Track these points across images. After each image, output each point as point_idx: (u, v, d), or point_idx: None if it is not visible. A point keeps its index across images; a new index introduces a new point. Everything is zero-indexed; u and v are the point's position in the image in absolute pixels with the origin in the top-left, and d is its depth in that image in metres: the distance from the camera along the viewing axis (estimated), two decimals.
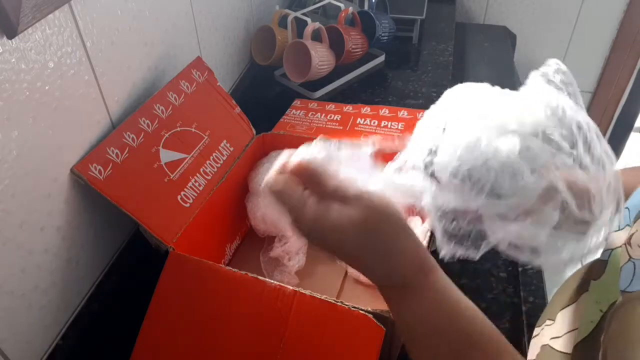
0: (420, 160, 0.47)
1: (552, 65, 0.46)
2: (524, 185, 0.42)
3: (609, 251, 0.44)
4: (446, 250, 0.45)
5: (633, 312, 0.36)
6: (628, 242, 0.41)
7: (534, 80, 0.46)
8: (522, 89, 0.46)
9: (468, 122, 0.44)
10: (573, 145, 0.43)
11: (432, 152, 0.46)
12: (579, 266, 0.54)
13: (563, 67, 0.45)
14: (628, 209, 0.44)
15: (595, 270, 0.45)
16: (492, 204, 0.42)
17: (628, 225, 0.43)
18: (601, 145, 0.42)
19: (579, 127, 0.42)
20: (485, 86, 0.47)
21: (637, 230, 0.40)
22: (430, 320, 0.41)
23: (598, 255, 0.46)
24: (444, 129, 0.46)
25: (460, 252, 0.45)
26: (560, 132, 0.43)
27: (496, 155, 0.42)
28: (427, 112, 0.49)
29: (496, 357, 0.39)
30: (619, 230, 0.43)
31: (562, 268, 0.44)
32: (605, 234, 0.43)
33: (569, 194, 0.42)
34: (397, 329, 0.43)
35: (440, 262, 0.58)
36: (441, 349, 0.40)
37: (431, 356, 0.41)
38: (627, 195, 0.47)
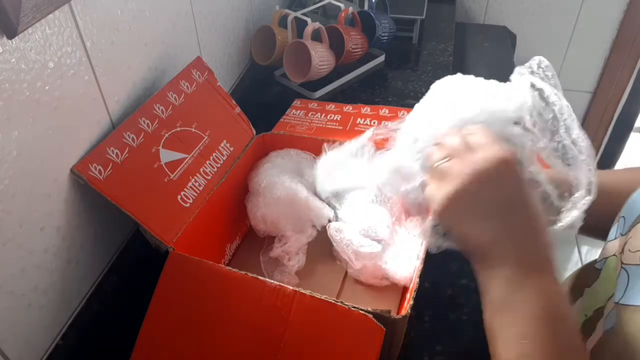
0: (408, 150, 0.48)
1: (536, 60, 0.47)
2: None
3: (603, 260, 0.44)
4: (431, 242, 0.45)
5: (633, 326, 0.35)
6: (622, 250, 0.41)
7: (519, 72, 0.47)
8: (509, 81, 0.48)
9: (451, 112, 0.45)
10: (555, 131, 0.44)
11: (417, 141, 0.47)
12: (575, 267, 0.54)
13: (545, 61, 0.46)
14: (623, 217, 0.44)
15: (590, 278, 0.45)
16: None
17: (621, 234, 0.43)
18: (579, 131, 0.43)
19: (561, 113, 0.43)
20: (470, 77, 0.48)
21: (631, 237, 0.40)
22: (545, 314, 0.36)
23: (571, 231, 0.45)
24: (430, 120, 0.48)
25: (445, 244, 0.45)
26: (542, 117, 0.44)
27: None
28: (417, 105, 0.50)
29: None
30: (614, 239, 0.43)
31: None
32: (574, 216, 0.43)
33: (550, 186, 0.43)
34: (488, 315, 0.39)
35: (440, 262, 0.58)
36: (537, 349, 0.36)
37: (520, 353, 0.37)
38: (619, 193, 0.47)
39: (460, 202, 0.39)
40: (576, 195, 0.42)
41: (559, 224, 0.43)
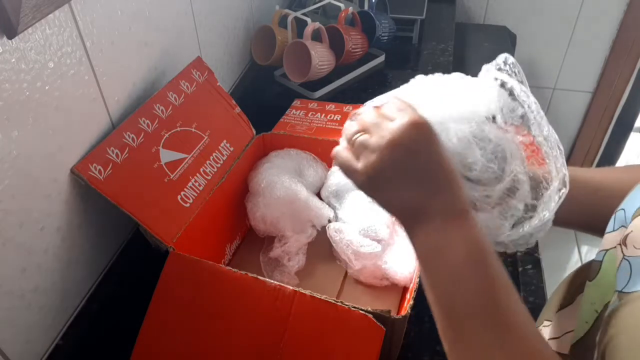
0: None
1: (502, 57, 0.47)
2: (485, 169, 0.44)
3: (603, 252, 0.44)
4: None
5: (635, 314, 0.36)
6: (623, 242, 0.41)
7: (486, 69, 0.47)
8: (476, 78, 0.48)
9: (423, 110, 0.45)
10: (528, 127, 0.44)
11: None
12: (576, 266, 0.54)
13: (511, 58, 0.47)
14: (623, 210, 0.44)
15: (590, 271, 0.46)
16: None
17: (623, 226, 0.43)
18: (549, 127, 0.45)
19: (531, 110, 0.44)
20: (435, 77, 0.49)
21: (632, 231, 0.40)
22: (472, 259, 0.38)
23: (539, 235, 0.46)
24: None
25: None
26: (514, 114, 0.44)
27: (451, 141, 0.44)
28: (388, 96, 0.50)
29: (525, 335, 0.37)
30: (613, 231, 0.44)
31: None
32: (546, 215, 0.44)
33: (529, 189, 0.44)
34: (422, 266, 0.41)
35: None
36: (468, 295, 0.38)
37: (451, 303, 0.39)
38: (614, 191, 0.47)
39: (380, 173, 0.41)
40: (551, 187, 0.43)
41: (535, 220, 0.44)
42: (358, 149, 0.43)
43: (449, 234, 0.40)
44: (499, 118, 0.45)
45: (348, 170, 0.44)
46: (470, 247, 0.39)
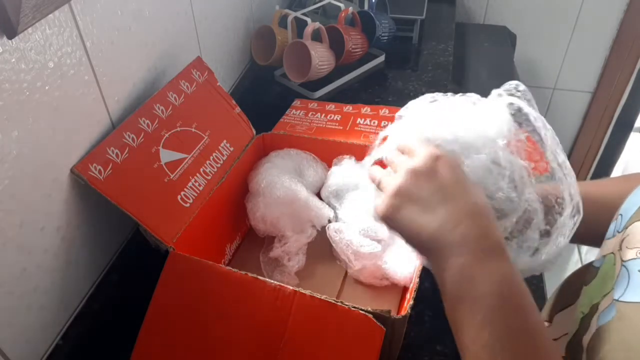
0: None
1: (512, 83, 0.47)
2: (506, 198, 0.43)
3: (601, 258, 0.44)
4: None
5: (631, 329, 0.35)
6: (619, 247, 0.41)
7: (498, 94, 0.47)
8: (485, 100, 0.48)
9: (432, 137, 0.45)
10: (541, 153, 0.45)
11: None
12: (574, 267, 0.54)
13: (522, 85, 0.47)
14: (621, 215, 0.44)
15: (587, 276, 0.46)
16: None
17: (617, 231, 0.43)
18: (564, 155, 0.45)
19: (546, 135, 0.44)
20: (442, 100, 0.49)
21: (628, 235, 0.40)
22: (502, 296, 0.37)
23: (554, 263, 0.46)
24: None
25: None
26: (519, 140, 0.45)
27: (473, 171, 0.43)
28: (392, 126, 0.50)
29: None
30: (612, 237, 0.44)
31: None
32: (561, 242, 0.44)
33: (542, 211, 0.44)
34: (453, 298, 0.39)
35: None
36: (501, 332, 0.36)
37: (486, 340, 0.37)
38: (608, 203, 0.48)
39: (400, 201, 0.41)
40: (565, 213, 0.43)
41: (552, 246, 0.44)
42: (383, 186, 0.44)
43: (478, 277, 0.37)
44: (512, 143, 0.45)
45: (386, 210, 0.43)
46: (502, 291, 0.37)
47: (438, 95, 0.49)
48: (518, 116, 0.45)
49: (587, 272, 0.46)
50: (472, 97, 0.48)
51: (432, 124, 0.46)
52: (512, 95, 0.46)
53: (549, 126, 0.45)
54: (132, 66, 0.70)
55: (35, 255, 0.55)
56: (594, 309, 0.41)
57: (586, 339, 0.40)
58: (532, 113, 0.45)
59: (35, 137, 0.52)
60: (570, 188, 0.44)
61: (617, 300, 0.38)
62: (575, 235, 0.45)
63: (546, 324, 0.53)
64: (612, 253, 0.42)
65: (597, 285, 0.43)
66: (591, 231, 0.47)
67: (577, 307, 0.46)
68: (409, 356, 0.61)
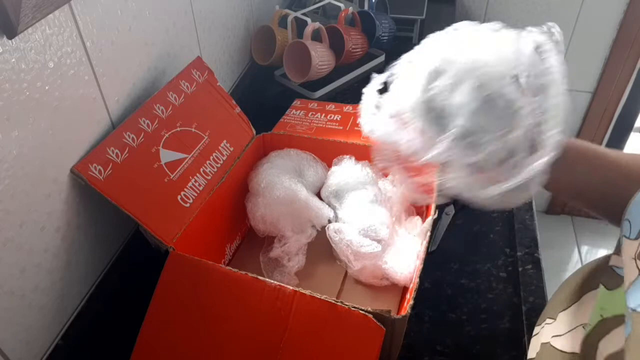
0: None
1: (550, 24, 0.47)
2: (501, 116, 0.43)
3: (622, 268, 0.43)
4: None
5: None
6: (638, 256, 0.40)
7: (529, 30, 0.47)
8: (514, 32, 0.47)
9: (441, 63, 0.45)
10: (537, 92, 0.44)
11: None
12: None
13: (557, 27, 0.47)
14: (628, 220, 0.42)
15: (609, 281, 0.44)
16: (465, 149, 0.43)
17: (626, 237, 0.42)
18: (564, 96, 0.44)
19: (553, 78, 0.44)
20: (466, 28, 0.48)
21: None
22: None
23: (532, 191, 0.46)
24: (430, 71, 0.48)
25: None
26: (537, 80, 0.44)
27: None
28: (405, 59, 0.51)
29: None
30: (633, 239, 0.42)
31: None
32: (539, 164, 0.43)
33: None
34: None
35: (440, 262, 0.58)
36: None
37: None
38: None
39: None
40: (546, 138, 0.43)
41: (521, 175, 0.43)
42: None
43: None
44: (522, 81, 0.44)
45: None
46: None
47: (460, 24, 0.49)
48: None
49: (604, 274, 0.45)
50: (496, 25, 0.48)
51: (448, 47, 0.46)
52: (543, 32, 0.46)
53: (564, 67, 0.44)
54: (132, 66, 0.70)
55: (35, 255, 0.55)
56: (620, 320, 0.40)
57: (605, 343, 0.40)
58: (552, 52, 0.44)
59: (35, 137, 0.53)
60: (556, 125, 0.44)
61: (634, 310, 0.37)
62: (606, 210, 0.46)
63: (549, 321, 0.53)
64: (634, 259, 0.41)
65: (621, 295, 0.42)
66: (619, 208, 0.46)
67: (588, 302, 0.45)
68: (409, 356, 0.61)
